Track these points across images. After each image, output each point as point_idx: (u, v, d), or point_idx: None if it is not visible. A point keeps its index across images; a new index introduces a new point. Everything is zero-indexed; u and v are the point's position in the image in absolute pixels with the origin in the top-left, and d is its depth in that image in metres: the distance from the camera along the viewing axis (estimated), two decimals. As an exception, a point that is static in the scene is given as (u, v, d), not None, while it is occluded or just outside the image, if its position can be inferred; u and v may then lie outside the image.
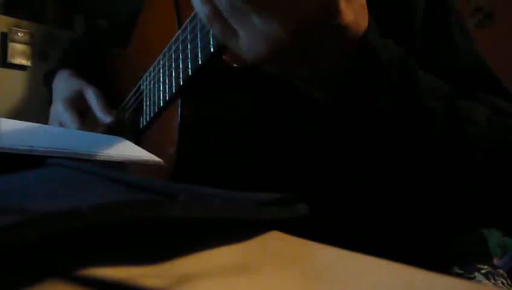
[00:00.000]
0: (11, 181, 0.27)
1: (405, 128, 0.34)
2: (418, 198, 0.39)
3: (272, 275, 0.15)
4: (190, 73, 0.44)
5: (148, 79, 0.59)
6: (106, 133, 0.64)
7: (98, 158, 0.38)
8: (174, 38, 0.49)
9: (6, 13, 2.62)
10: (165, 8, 0.57)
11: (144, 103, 0.60)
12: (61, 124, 0.70)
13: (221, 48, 0.39)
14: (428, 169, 0.36)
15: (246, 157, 0.47)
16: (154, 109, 0.56)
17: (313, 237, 0.20)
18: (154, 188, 0.23)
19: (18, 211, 0.15)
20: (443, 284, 0.15)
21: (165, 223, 0.17)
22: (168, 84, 0.50)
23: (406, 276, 0.16)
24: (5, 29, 2.61)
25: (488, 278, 0.50)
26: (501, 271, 0.53)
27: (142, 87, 0.61)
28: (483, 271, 0.51)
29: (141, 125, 0.62)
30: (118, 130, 0.67)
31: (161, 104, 0.53)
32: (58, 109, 0.70)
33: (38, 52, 2.72)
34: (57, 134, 0.53)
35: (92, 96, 0.68)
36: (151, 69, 0.57)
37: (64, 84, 0.74)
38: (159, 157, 0.43)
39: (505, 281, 0.52)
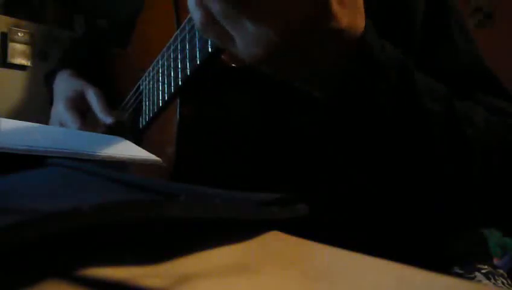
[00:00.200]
0: (11, 181, 0.27)
1: (404, 128, 0.35)
2: (418, 198, 0.39)
3: (272, 275, 0.15)
4: (189, 73, 0.45)
5: (147, 79, 0.59)
6: (106, 133, 0.64)
7: (98, 158, 0.38)
8: (172, 38, 0.49)
9: (6, 13, 2.62)
10: (164, 8, 0.57)
11: (144, 103, 0.60)
12: (62, 124, 0.70)
13: (219, 48, 0.39)
14: (427, 169, 0.36)
15: (245, 157, 0.47)
16: (153, 109, 0.56)
17: (313, 237, 0.20)
18: (154, 188, 0.23)
19: (18, 211, 0.15)
20: (443, 284, 0.15)
21: (165, 223, 0.17)
22: (167, 84, 0.50)
23: (406, 276, 0.16)
24: (5, 29, 2.60)
25: (488, 278, 0.50)
26: (501, 271, 0.53)
27: (141, 87, 0.61)
28: (483, 271, 0.51)
29: (141, 126, 0.62)
30: (118, 130, 0.67)
31: (160, 104, 0.53)
32: (59, 109, 0.70)
33: (38, 52, 2.72)
34: (57, 134, 0.53)
35: (92, 97, 0.68)
36: (150, 69, 0.57)
37: (64, 84, 0.74)
38: (159, 157, 0.43)
39: (505, 281, 0.52)
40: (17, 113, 2.49)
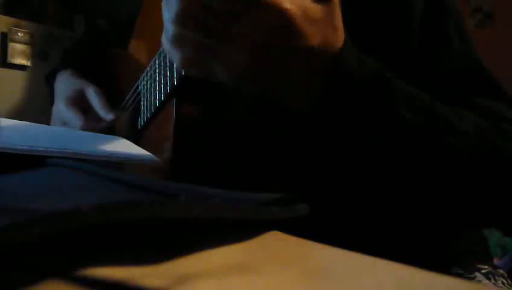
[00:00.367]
0: (11, 181, 0.27)
1: (385, 139, 0.35)
2: (413, 200, 0.40)
3: (272, 275, 0.15)
4: (183, 72, 0.45)
5: (145, 79, 0.59)
6: (106, 133, 0.64)
7: (98, 158, 0.38)
8: None
9: (6, 13, 2.62)
10: (161, 7, 0.57)
11: (142, 103, 0.60)
12: (64, 123, 0.70)
13: None
14: (414, 175, 0.37)
15: (241, 156, 0.47)
16: (150, 109, 0.56)
17: (313, 237, 0.20)
18: (154, 188, 0.23)
19: (18, 211, 0.15)
20: (443, 284, 0.15)
21: (165, 223, 0.17)
22: (164, 83, 0.51)
23: (406, 276, 0.16)
24: (5, 29, 2.61)
25: (488, 278, 0.50)
26: (501, 271, 0.53)
27: (139, 87, 0.61)
28: (483, 271, 0.51)
29: (139, 126, 0.62)
30: (118, 130, 0.67)
31: (157, 104, 0.53)
32: (61, 108, 0.70)
33: (38, 52, 2.72)
34: (57, 134, 0.53)
35: (93, 95, 0.68)
36: (148, 69, 0.57)
37: (65, 84, 0.74)
38: (157, 157, 0.43)
39: (505, 281, 0.52)
40: (17, 113, 2.49)
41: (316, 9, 0.31)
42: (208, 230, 0.19)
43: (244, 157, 0.47)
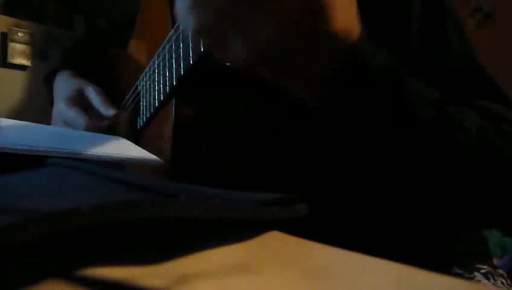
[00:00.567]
0: (11, 181, 0.27)
1: (395, 134, 0.35)
2: (415, 199, 0.39)
3: (272, 275, 0.15)
4: (182, 72, 0.45)
5: (144, 79, 0.59)
6: (107, 133, 0.64)
7: (98, 158, 0.38)
8: (167, 37, 0.49)
9: (6, 13, 2.62)
10: (161, 7, 0.57)
11: (141, 103, 0.60)
12: (66, 123, 0.70)
13: None
14: (419, 173, 0.36)
15: (240, 156, 0.47)
16: (150, 109, 0.56)
17: (313, 237, 0.20)
18: (154, 188, 0.23)
19: (18, 211, 0.15)
20: (443, 284, 0.15)
21: (165, 223, 0.17)
22: (163, 84, 0.50)
23: (406, 276, 0.16)
24: (5, 29, 2.61)
25: (487, 278, 0.50)
26: (501, 271, 0.53)
27: (139, 87, 0.61)
28: (482, 271, 0.51)
29: (138, 126, 0.62)
30: (118, 129, 0.67)
31: (156, 104, 0.53)
32: (61, 108, 0.70)
33: (38, 52, 2.72)
34: (57, 134, 0.53)
35: (92, 93, 0.68)
36: (147, 69, 0.57)
37: (64, 84, 0.74)
38: (157, 157, 0.43)
39: (504, 281, 0.52)
40: (17, 113, 2.49)
41: None
42: (208, 230, 0.19)
43: (244, 157, 0.47)
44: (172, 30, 0.47)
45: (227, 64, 0.44)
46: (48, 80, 0.81)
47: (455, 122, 0.36)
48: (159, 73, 0.52)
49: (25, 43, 2.66)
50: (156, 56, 0.53)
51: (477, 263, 0.52)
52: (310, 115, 0.40)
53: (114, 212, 0.15)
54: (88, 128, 0.64)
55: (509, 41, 2.23)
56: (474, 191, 0.37)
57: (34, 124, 0.49)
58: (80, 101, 0.70)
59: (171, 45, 0.47)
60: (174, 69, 0.47)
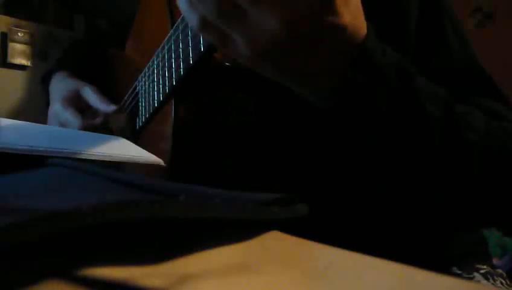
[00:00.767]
0: (11, 181, 0.27)
1: (404, 132, 0.35)
2: (418, 199, 0.39)
3: (272, 275, 0.15)
4: (182, 73, 0.44)
5: (143, 79, 0.59)
6: (105, 133, 0.64)
7: (98, 158, 0.38)
8: (166, 38, 0.49)
9: (6, 13, 2.62)
10: (159, 7, 0.57)
11: (140, 103, 0.60)
12: (62, 124, 0.70)
13: (211, 46, 0.39)
14: (427, 172, 0.36)
15: (240, 157, 0.47)
16: (149, 110, 0.56)
17: (313, 237, 0.20)
18: (154, 188, 0.23)
19: (18, 211, 0.15)
20: (443, 284, 0.15)
21: (165, 223, 0.17)
22: (162, 84, 0.50)
23: (406, 276, 0.16)
24: (5, 29, 2.61)
25: (486, 278, 0.50)
26: (500, 271, 0.53)
27: (138, 88, 0.61)
28: (482, 271, 0.51)
29: (138, 126, 0.62)
30: (116, 129, 0.67)
31: (156, 105, 0.53)
32: (57, 109, 0.70)
33: (38, 52, 2.72)
34: (57, 134, 0.53)
35: (89, 93, 0.68)
36: (146, 69, 0.57)
37: (60, 85, 0.74)
38: (157, 157, 0.43)
39: (504, 281, 0.52)
40: (17, 113, 2.49)
41: None
42: (208, 230, 0.19)
43: (244, 157, 0.47)
44: (172, 30, 0.47)
45: (227, 64, 0.44)
46: (45, 81, 0.81)
47: (464, 120, 0.36)
48: (158, 73, 0.52)
49: (25, 43, 2.66)
50: (155, 56, 0.53)
51: (476, 263, 0.52)
52: (311, 114, 0.40)
53: (114, 213, 0.15)
54: (83, 130, 0.64)
55: (509, 41, 2.23)
56: (479, 189, 0.37)
57: (34, 124, 0.49)
58: (76, 102, 0.70)
59: (171, 45, 0.47)
60: (173, 69, 0.47)
